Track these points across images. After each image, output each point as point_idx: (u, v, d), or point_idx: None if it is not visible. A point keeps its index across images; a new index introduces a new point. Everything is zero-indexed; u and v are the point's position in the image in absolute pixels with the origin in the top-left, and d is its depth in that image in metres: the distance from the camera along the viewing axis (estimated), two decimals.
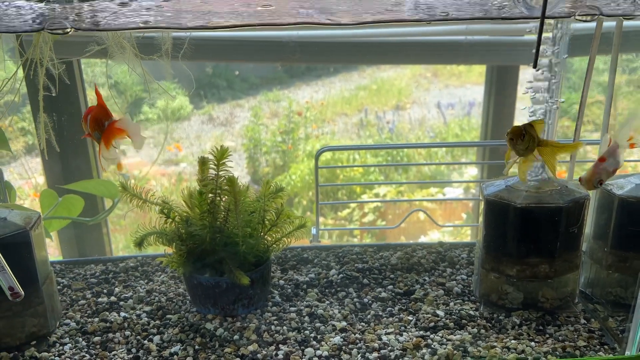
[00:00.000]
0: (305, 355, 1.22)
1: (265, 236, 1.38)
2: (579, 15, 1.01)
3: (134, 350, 1.26)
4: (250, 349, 1.24)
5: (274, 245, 1.39)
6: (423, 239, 3.64)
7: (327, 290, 1.48)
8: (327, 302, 1.42)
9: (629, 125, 1.13)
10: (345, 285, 1.50)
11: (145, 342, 1.28)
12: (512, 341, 1.24)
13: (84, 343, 1.29)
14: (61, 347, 1.27)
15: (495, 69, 2.18)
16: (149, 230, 1.32)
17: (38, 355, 1.24)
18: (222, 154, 1.28)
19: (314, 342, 1.26)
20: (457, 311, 1.36)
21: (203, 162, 1.30)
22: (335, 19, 0.99)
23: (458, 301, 1.41)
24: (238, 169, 4.55)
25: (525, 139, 1.17)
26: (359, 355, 1.21)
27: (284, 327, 1.32)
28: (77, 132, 1.18)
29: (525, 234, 1.30)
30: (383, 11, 1.00)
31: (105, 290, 1.51)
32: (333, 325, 1.32)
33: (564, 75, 1.34)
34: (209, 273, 1.34)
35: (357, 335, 1.28)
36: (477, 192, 3.10)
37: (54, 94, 1.37)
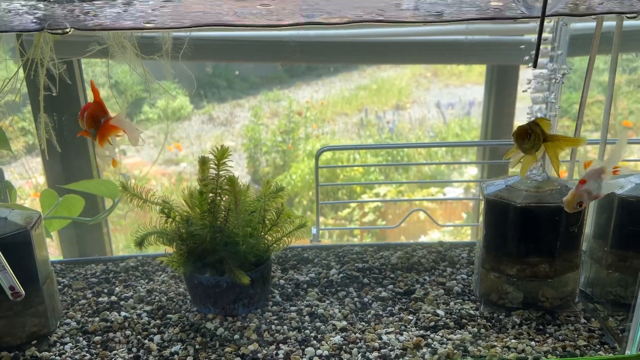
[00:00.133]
0: (305, 355, 1.22)
1: (266, 236, 1.38)
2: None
3: (134, 349, 1.26)
4: (250, 349, 1.24)
5: (275, 245, 1.39)
6: (423, 239, 3.64)
7: (327, 289, 1.48)
8: (328, 301, 1.43)
9: (619, 153, 1.14)
10: (346, 284, 1.50)
11: (146, 341, 1.28)
12: (512, 340, 1.24)
13: (84, 342, 1.29)
14: (62, 347, 1.27)
15: (496, 68, 2.18)
16: (150, 229, 1.32)
17: (39, 354, 1.24)
18: (222, 154, 1.28)
19: (315, 342, 1.26)
20: (457, 310, 1.36)
21: (203, 162, 1.30)
22: (325, 19, 0.99)
23: (458, 301, 1.41)
24: (238, 168, 4.55)
25: (532, 138, 1.18)
26: (360, 355, 1.21)
27: (285, 327, 1.32)
28: (77, 132, 1.18)
29: (525, 234, 1.30)
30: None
31: (105, 290, 1.51)
32: (333, 324, 1.32)
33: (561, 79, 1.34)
34: (210, 272, 1.35)
35: (357, 334, 1.28)
36: (477, 191, 3.10)
37: (54, 94, 1.37)
